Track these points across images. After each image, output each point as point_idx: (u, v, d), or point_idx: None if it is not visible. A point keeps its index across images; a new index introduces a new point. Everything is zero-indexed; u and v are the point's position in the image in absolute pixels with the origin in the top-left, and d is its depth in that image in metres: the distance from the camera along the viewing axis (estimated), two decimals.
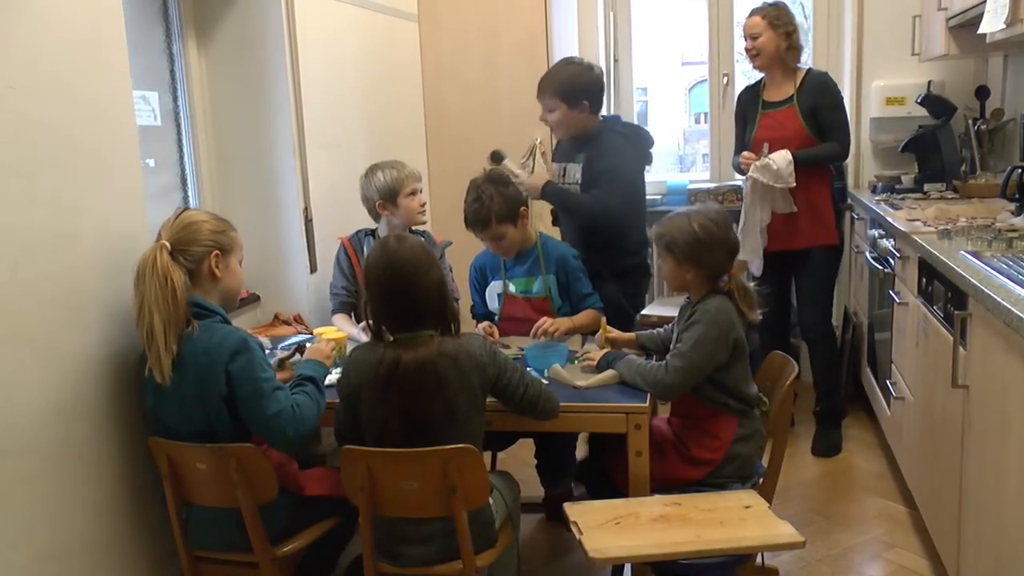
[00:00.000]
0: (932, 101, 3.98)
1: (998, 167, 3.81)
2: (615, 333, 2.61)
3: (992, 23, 2.73)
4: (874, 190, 4.05)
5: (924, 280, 2.72)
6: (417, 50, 4.24)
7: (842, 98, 3.63)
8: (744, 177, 3.58)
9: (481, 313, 3.04)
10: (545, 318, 2.76)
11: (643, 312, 4.11)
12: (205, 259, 2.15)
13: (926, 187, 3.86)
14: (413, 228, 3.06)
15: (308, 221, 3.24)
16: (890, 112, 4.23)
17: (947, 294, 2.42)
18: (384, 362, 2.06)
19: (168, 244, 2.10)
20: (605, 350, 2.50)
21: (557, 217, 3.46)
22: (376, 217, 3.07)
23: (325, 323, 3.04)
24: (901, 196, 3.78)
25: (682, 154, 7.77)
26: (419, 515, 2.08)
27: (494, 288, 2.98)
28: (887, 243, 3.28)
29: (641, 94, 6.36)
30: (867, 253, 3.68)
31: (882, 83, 4.24)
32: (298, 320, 3.22)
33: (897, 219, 3.14)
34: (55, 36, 2.05)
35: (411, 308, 2.09)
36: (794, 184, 3.45)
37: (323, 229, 3.29)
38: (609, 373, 2.38)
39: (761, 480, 2.35)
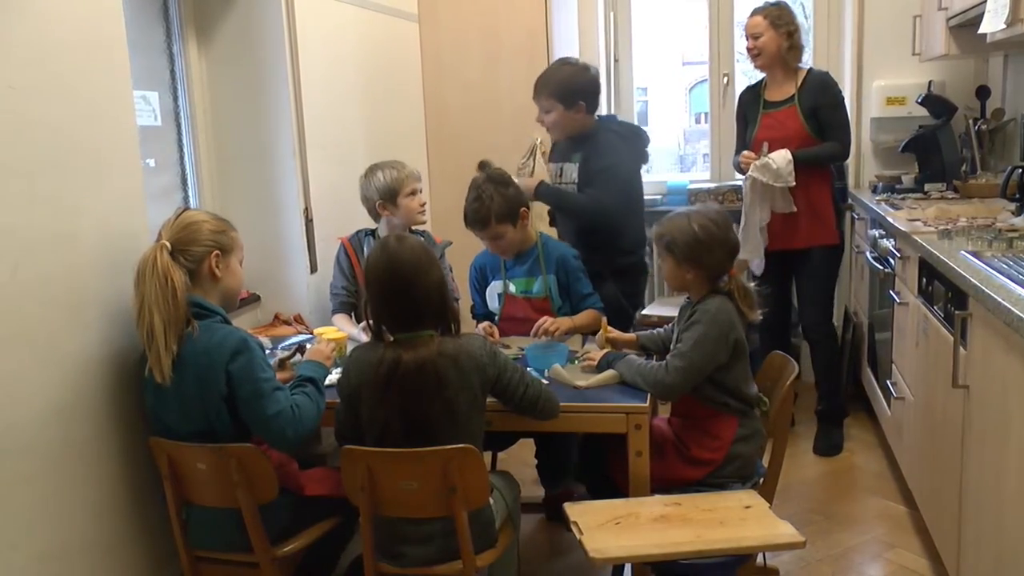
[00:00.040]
0: (932, 101, 3.98)
1: (998, 167, 3.81)
2: (615, 333, 2.61)
3: (992, 23, 2.73)
4: (874, 190, 4.05)
5: (924, 280, 2.72)
6: (417, 50, 4.24)
7: (843, 98, 3.63)
8: (744, 177, 3.58)
9: (481, 313, 3.04)
10: (546, 317, 2.77)
11: (643, 312, 4.13)
12: (205, 259, 2.15)
13: (926, 187, 3.86)
14: (413, 228, 3.06)
15: (308, 221, 3.24)
16: (890, 112, 4.23)
17: (947, 294, 2.42)
18: (384, 362, 2.06)
19: (168, 244, 2.10)
20: (605, 350, 2.50)
21: (554, 217, 3.46)
22: (376, 217, 3.07)
23: (325, 323, 3.04)
24: (901, 196, 3.78)
25: (682, 154, 7.77)
26: (419, 515, 2.08)
27: (494, 288, 2.98)
28: (887, 243, 3.28)
29: (641, 94, 6.37)
30: (867, 253, 3.68)
31: (882, 83, 4.24)
32: (298, 320, 3.22)
33: (897, 219, 3.14)
34: (55, 36, 2.05)
35: (411, 308, 2.09)
36: (794, 183, 3.45)
37: (323, 229, 3.29)
38: (609, 373, 2.38)
39: (761, 480, 2.35)
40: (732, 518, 2.10)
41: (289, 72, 3.12)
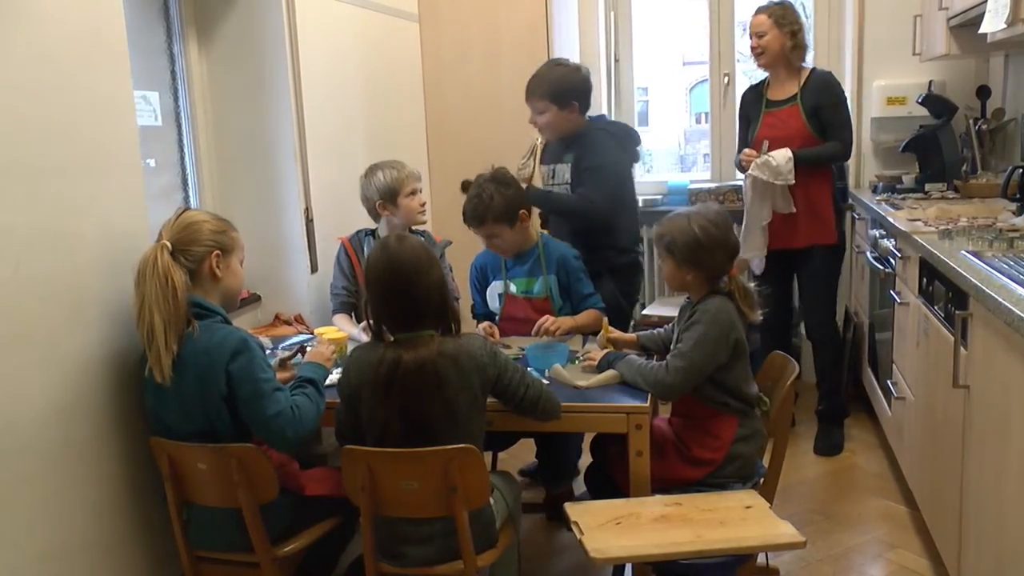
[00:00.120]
0: (933, 101, 3.98)
1: (999, 167, 3.81)
2: (616, 333, 2.62)
3: (993, 23, 2.73)
4: (875, 190, 4.05)
5: (925, 280, 2.72)
6: (418, 50, 4.25)
7: (845, 97, 3.63)
8: (745, 175, 3.58)
9: (482, 313, 3.04)
10: (547, 316, 2.77)
11: (643, 312, 4.14)
12: (206, 259, 2.16)
13: (927, 187, 3.86)
14: (413, 228, 3.06)
15: (309, 221, 3.24)
16: (891, 112, 4.23)
17: (948, 294, 2.42)
18: (384, 362, 2.05)
19: (169, 244, 2.10)
20: (606, 350, 2.50)
21: (546, 220, 3.46)
22: (376, 217, 3.07)
23: (326, 323, 3.04)
24: (902, 196, 3.77)
25: (683, 154, 7.77)
26: (420, 515, 2.08)
27: (495, 288, 2.98)
28: (888, 243, 3.28)
29: (642, 94, 6.38)
30: (868, 253, 3.68)
31: (883, 83, 4.24)
32: (299, 320, 3.23)
33: (898, 219, 3.14)
34: (56, 36, 2.05)
35: (411, 308, 2.09)
36: (793, 181, 3.45)
37: (324, 229, 3.29)
38: (610, 373, 2.38)
39: (762, 480, 2.35)
40: (733, 518, 2.10)
41: (290, 72, 3.12)
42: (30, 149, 1.96)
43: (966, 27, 3.31)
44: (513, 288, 2.93)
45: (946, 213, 3.13)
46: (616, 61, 4.82)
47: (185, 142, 3.10)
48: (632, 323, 4.06)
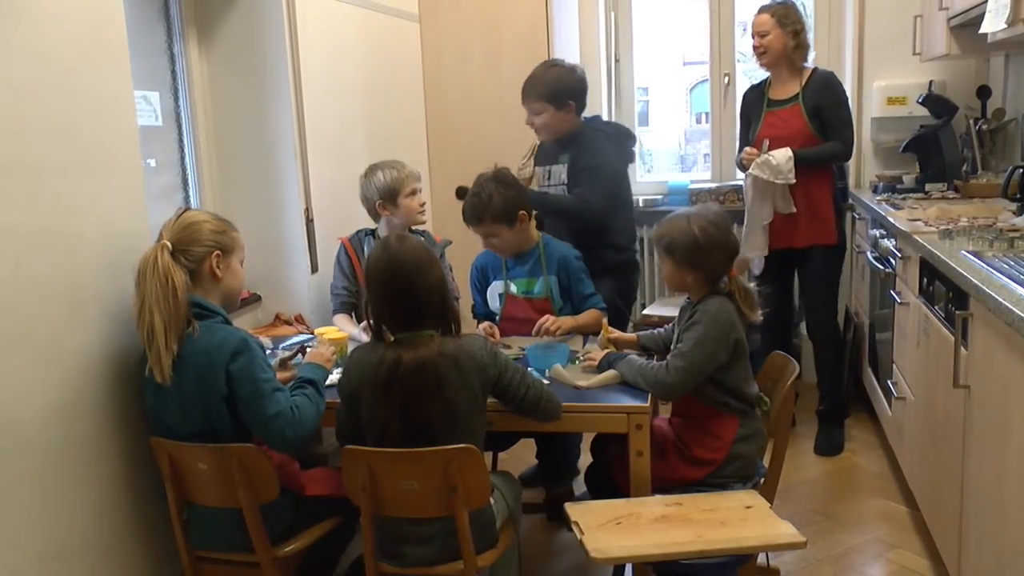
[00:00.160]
0: (933, 101, 3.98)
1: (999, 167, 3.81)
2: (616, 333, 2.62)
3: (993, 23, 2.73)
4: (875, 190, 4.04)
5: (925, 280, 2.71)
6: (418, 50, 4.25)
7: (846, 97, 3.62)
8: (745, 175, 3.58)
9: (482, 313, 3.04)
10: (547, 316, 2.77)
11: (644, 312, 4.14)
12: (206, 259, 2.16)
13: (927, 187, 3.86)
14: (413, 228, 3.06)
15: (309, 221, 3.24)
16: (891, 112, 4.23)
17: (948, 294, 2.42)
18: (385, 362, 2.05)
19: (169, 244, 2.10)
20: (607, 350, 2.50)
21: (541, 222, 3.46)
22: (376, 217, 3.07)
23: (326, 323, 3.04)
24: (902, 196, 3.77)
25: (683, 154, 7.76)
26: (420, 515, 2.08)
27: (495, 288, 2.98)
28: (888, 243, 3.28)
29: (642, 94, 6.37)
30: (868, 253, 3.68)
31: (883, 83, 4.24)
32: (299, 320, 3.23)
33: (898, 219, 3.13)
34: (56, 36, 2.05)
35: (412, 308, 2.09)
36: (794, 181, 3.45)
37: (324, 229, 3.29)
38: (610, 373, 2.38)
39: (762, 480, 2.35)
40: (733, 518, 2.10)
41: (290, 72, 3.12)
42: (30, 149, 1.96)
43: (966, 27, 3.31)
44: (514, 288, 2.93)
45: (946, 213, 3.13)
46: (616, 61, 4.82)
47: (185, 142, 3.10)
48: (632, 323, 4.07)
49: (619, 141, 3.29)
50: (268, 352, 2.35)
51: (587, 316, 2.82)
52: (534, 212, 3.39)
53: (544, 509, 3.16)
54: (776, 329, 3.63)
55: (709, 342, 2.27)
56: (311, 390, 2.20)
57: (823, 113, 3.51)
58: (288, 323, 3.21)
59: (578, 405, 2.28)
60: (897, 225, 3.05)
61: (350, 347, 2.50)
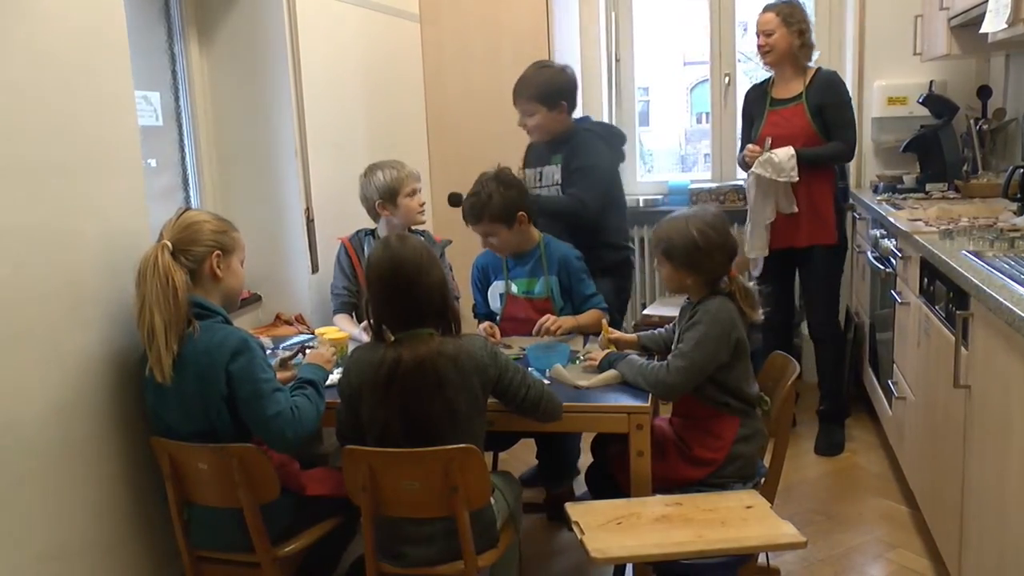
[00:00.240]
0: (934, 101, 3.98)
1: (1000, 167, 3.81)
2: (617, 334, 2.62)
3: (994, 23, 2.73)
4: (876, 190, 4.04)
5: (926, 280, 2.71)
6: (419, 50, 4.25)
7: (849, 98, 3.62)
8: (748, 174, 3.58)
9: (483, 313, 3.04)
10: (548, 315, 2.77)
11: (644, 312, 4.14)
12: (206, 259, 2.16)
13: (928, 187, 3.86)
14: (413, 228, 3.06)
15: (310, 221, 3.24)
16: (892, 112, 4.23)
17: (949, 294, 2.42)
18: (385, 362, 2.05)
19: (170, 244, 2.10)
20: (607, 350, 2.50)
21: (535, 224, 3.46)
22: (375, 217, 3.07)
23: (327, 323, 3.04)
24: (903, 196, 3.77)
25: (684, 154, 7.75)
26: (421, 515, 2.08)
27: (496, 288, 2.98)
28: (889, 243, 3.27)
29: (643, 94, 6.36)
30: (869, 253, 3.68)
31: (884, 83, 4.24)
32: (300, 320, 3.23)
33: (899, 219, 3.13)
34: (57, 36, 2.05)
35: (413, 307, 2.09)
36: (796, 179, 3.44)
37: (325, 229, 3.29)
38: (611, 373, 2.38)
39: (763, 480, 2.35)
40: (733, 518, 2.10)
41: (290, 72, 3.12)
42: (30, 149, 1.96)
43: (967, 27, 3.31)
44: (514, 288, 2.93)
45: (947, 213, 3.13)
46: (617, 61, 4.82)
47: (186, 142, 3.10)
48: (633, 323, 4.07)
49: (610, 141, 3.31)
50: (268, 352, 2.35)
51: (588, 316, 2.82)
52: None
53: (544, 509, 3.16)
54: (777, 329, 3.63)
55: (710, 342, 2.27)
56: (311, 390, 2.19)
57: (826, 113, 3.51)
58: (288, 323, 3.21)
59: (578, 405, 2.28)
60: (898, 225, 3.04)
61: (350, 347, 2.50)
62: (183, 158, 3.10)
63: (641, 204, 4.67)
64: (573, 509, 2.16)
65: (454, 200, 3.07)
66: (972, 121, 3.94)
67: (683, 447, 2.36)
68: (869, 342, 3.86)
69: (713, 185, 4.63)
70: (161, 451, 2.14)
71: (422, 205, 3.07)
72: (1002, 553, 2.00)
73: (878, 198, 3.78)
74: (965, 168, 3.89)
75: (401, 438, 2.05)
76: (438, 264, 2.15)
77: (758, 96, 3.71)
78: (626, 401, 2.26)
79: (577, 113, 3.33)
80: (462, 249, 3.19)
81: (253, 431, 2.11)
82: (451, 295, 2.26)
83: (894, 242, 3.19)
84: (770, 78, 3.68)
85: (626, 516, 2.11)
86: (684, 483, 2.31)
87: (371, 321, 2.15)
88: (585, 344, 2.73)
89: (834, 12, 4.50)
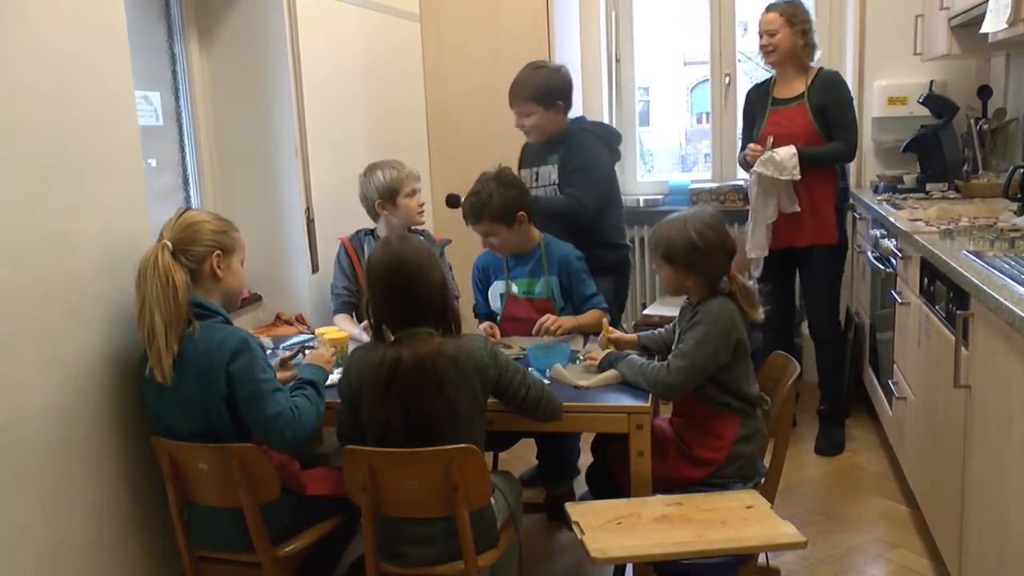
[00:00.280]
0: (934, 101, 3.98)
1: (1000, 167, 3.81)
2: (617, 334, 2.61)
3: (994, 23, 2.73)
4: (876, 190, 4.04)
5: (926, 280, 2.71)
6: (419, 50, 4.25)
7: (851, 98, 3.61)
8: (749, 173, 3.57)
9: (483, 313, 3.04)
10: (548, 315, 2.77)
11: (644, 312, 4.14)
12: (207, 259, 2.16)
13: (928, 187, 3.85)
14: (412, 228, 3.06)
15: (310, 221, 3.24)
16: (892, 112, 4.23)
17: (949, 294, 2.42)
18: (385, 363, 2.05)
19: (170, 244, 2.10)
20: (607, 350, 2.50)
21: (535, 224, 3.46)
22: (374, 217, 3.07)
23: (327, 323, 3.04)
24: (903, 196, 3.77)
25: (684, 154, 7.75)
26: (421, 515, 2.08)
27: (496, 288, 2.98)
28: (889, 243, 3.27)
29: (643, 94, 6.36)
30: (869, 253, 3.68)
31: (884, 83, 4.23)
32: (300, 320, 3.23)
33: (899, 219, 3.13)
34: (57, 36, 2.05)
35: (413, 307, 2.09)
36: (799, 177, 3.44)
37: (325, 229, 3.29)
38: (611, 373, 2.38)
39: (763, 480, 2.35)
40: (734, 518, 2.10)
41: (291, 72, 3.12)
42: (30, 149, 1.96)
43: (967, 27, 3.31)
44: (515, 289, 2.93)
45: (947, 213, 3.13)
46: (617, 61, 4.82)
47: (186, 142, 3.10)
48: (633, 323, 4.08)
49: (607, 140, 3.32)
50: (269, 352, 2.35)
51: (588, 316, 2.82)
52: None
53: (544, 509, 3.16)
54: (779, 328, 3.63)
55: (711, 341, 2.27)
56: (311, 391, 2.19)
57: (828, 113, 3.50)
58: (289, 323, 3.21)
59: (579, 405, 2.28)
60: (898, 225, 3.04)
61: (351, 347, 2.50)
62: (183, 158, 3.10)
63: (641, 204, 4.67)
64: (573, 509, 2.16)
65: (452, 201, 3.07)
66: (972, 121, 3.94)
67: (683, 447, 2.35)
68: (869, 342, 3.86)
69: (713, 185, 4.63)
70: (161, 451, 2.14)
71: (421, 205, 3.07)
72: (1002, 553, 2.00)
73: (878, 198, 3.78)
74: (965, 168, 3.89)
75: (401, 438, 2.05)
76: (438, 264, 2.16)
77: (759, 95, 3.71)
78: (626, 401, 2.26)
79: (577, 112, 3.33)
80: (462, 249, 3.19)
81: (253, 431, 2.11)
82: (451, 296, 2.26)
83: (894, 242, 3.19)
84: (771, 78, 3.68)
85: (626, 516, 2.11)
86: (684, 483, 2.31)
87: (371, 321, 2.15)
88: (585, 344, 2.72)
89: (834, 12, 4.50)
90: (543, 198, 3.20)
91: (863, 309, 4.05)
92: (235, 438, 2.09)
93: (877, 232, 3.55)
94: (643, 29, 4.93)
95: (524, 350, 2.60)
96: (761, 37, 3.56)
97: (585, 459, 2.82)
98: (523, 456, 3.29)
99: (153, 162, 2.90)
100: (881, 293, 3.53)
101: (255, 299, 3.23)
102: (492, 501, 2.15)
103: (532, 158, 3.34)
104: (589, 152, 3.18)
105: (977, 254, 2.37)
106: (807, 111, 3.51)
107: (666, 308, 3.97)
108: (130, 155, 2.31)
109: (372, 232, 3.12)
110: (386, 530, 2.11)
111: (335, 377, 2.33)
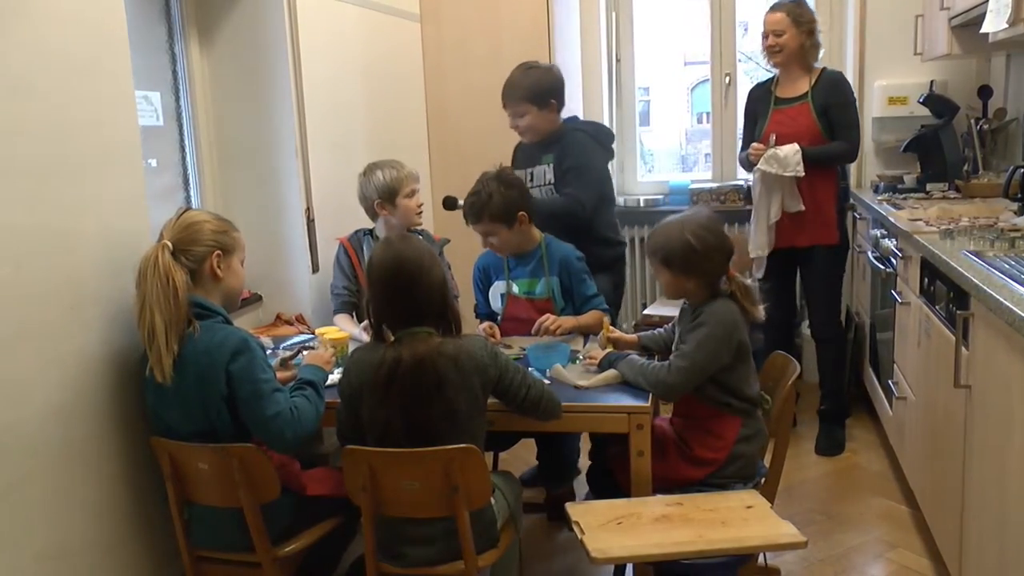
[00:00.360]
0: (934, 101, 3.98)
1: (1000, 167, 3.81)
2: (617, 333, 2.61)
3: (994, 23, 2.73)
4: (876, 190, 4.04)
5: (926, 280, 2.71)
6: (419, 50, 4.25)
7: (854, 98, 3.61)
8: (753, 171, 3.57)
9: (484, 313, 3.04)
10: (548, 315, 2.77)
11: (644, 312, 4.14)
12: (207, 259, 2.16)
13: (928, 187, 3.85)
14: (411, 228, 3.06)
15: (310, 221, 3.24)
16: (892, 112, 4.23)
17: (949, 294, 2.42)
18: (385, 363, 2.05)
19: (170, 244, 2.10)
20: (607, 350, 2.50)
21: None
22: (373, 217, 3.07)
23: (327, 323, 3.04)
24: (903, 196, 3.77)
25: (684, 154, 7.76)
26: (421, 515, 2.08)
27: (497, 288, 2.98)
28: (889, 243, 3.27)
29: (643, 94, 6.36)
30: (869, 253, 3.68)
31: (884, 83, 4.24)
32: (300, 320, 3.23)
33: (899, 219, 3.13)
34: (57, 36, 2.05)
35: (413, 306, 2.09)
36: (803, 174, 3.43)
37: (325, 229, 3.29)
38: (611, 373, 2.38)
39: (763, 480, 2.35)
40: (734, 518, 2.10)
41: (291, 72, 3.12)
42: (30, 149, 1.96)
43: (967, 27, 3.31)
44: (515, 289, 2.93)
45: (947, 213, 3.13)
46: (617, 61, 4.82)
47: (186, 142, 3.10)
48: (633, 323, 4.08)
49: (600, 139, 3.33)
50: (269, 352, 2.35)
51: (588, 316, 2.82)
52: None
53: (544, 509, 3.16)
54: (780, 328, 3.63)
55: (712, 342, 2.26)
56: (311, 391, 2.20)
57: (831, 113, 3.50)
58: (289, 323, 3.21)
59: (579, 405, 2.27)
60: (898, 225, 3.04)
61: (351, 347, 2.50)
62: (183, 158, 3.10)
63: (642, 204, 4.67)
64: (573, 509, 2.16)
65: (449, 204, 3.08)
66: (973, 121, 3.94)
67: (684, 447, 2.35)
68: (870, 342, 3.86)
69: (714, 185, 4.63)
70: (161, 451, 2.14)
71: (420, 206, 3.07)
72: (1002, 553, 2.00)
73: (879, 198, 3.78)
74: (966, 168, 3.89)
75: (401, 438, 2.04)
76: (439, 264, 2.16)
77: (762, 95, 3.70)
78: (626, 401, 2.26)
79: (578, 113, 3.33)
80: (462, 249, 3.19)
81: (252, 431, 2.11)
82: (451, 296, 2.26)
83: (895, 242, 3.19)
84: (774, 77, 3.67)
85: (626, 516, 2.11)
86: (684, 483, 2.30)
87: (371, 321, 2.15)
88: (585, 344, 2.72)
89: (834, 12, 4.50)
90: (541, 199, 3.20)
91: (863, 309, 4.05)
92: (235, 438, 2.09)
93: (877, 232, 3.55)
94: (643, 29, 4.93)
95: (524, 350, 2.60)
96: (767, 37, 3.55)
97: (585, 459, 2.82)
98: (523, 456, 3.29)
99: (153, 162, 2.90)
100: (881, 293, 3.53)
101: (255, 299, 3.23)
102: (492, 501, 2.15)
103: (526, 159, 3.35)
104: (584, 151, 3.19)
105: (977, 254, 2.37)
106: (810, 111, 3.51)
107: (666, 308, 3.96)
108: (130, 155, 2.31)
109: (371, 232, 3.12)
110: (386, 530, 2.11)
111: (335, 377, 2.33)
